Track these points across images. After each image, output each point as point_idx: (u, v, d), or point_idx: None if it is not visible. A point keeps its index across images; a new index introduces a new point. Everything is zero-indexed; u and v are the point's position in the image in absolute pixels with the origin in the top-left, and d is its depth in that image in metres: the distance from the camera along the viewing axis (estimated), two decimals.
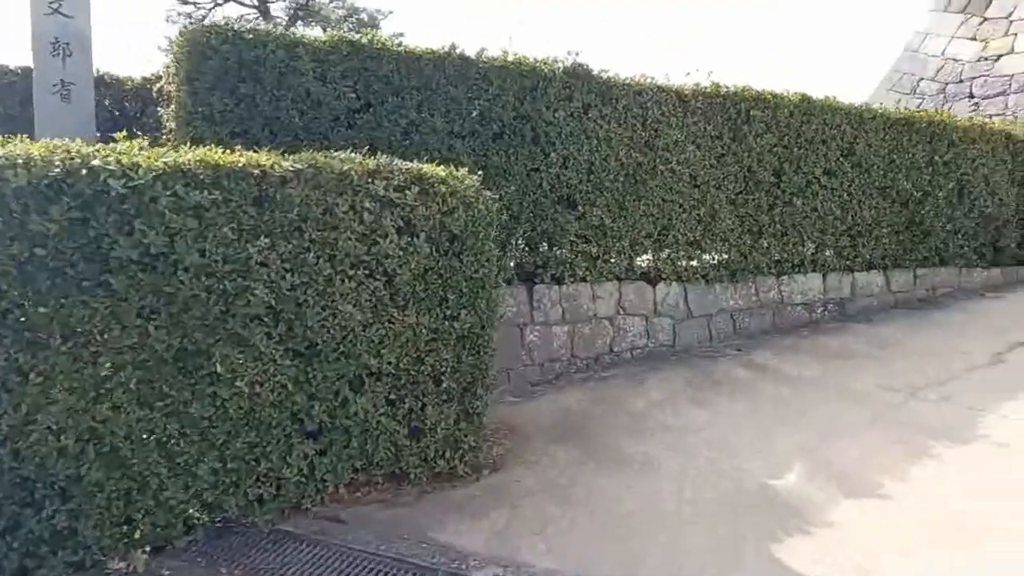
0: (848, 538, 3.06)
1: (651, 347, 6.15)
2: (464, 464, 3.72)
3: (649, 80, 6.01)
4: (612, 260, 5.93)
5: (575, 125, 5.55)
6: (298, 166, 3.16)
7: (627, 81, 5.87)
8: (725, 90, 6.34)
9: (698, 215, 6.23)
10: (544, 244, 5.65)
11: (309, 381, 3.21)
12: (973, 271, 8.47)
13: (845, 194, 7.09)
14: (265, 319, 3.08)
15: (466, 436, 3.74)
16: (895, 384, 4.96)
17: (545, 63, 5.47)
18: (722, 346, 6.25)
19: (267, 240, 3.04)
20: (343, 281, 3.24)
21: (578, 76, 5.57)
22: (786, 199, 6.70)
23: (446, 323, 3.59)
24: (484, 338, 3.73)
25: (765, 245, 6.68)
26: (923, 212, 7.72)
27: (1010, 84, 18.41)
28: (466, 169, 3.81)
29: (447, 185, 3.55)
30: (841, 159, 7.03)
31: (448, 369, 3.63)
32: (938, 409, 4.50)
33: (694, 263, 6.36)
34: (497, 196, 4.80)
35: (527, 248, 5.59)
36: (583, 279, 5.81)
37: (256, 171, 3.05)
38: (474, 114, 5.16)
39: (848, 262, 7.30)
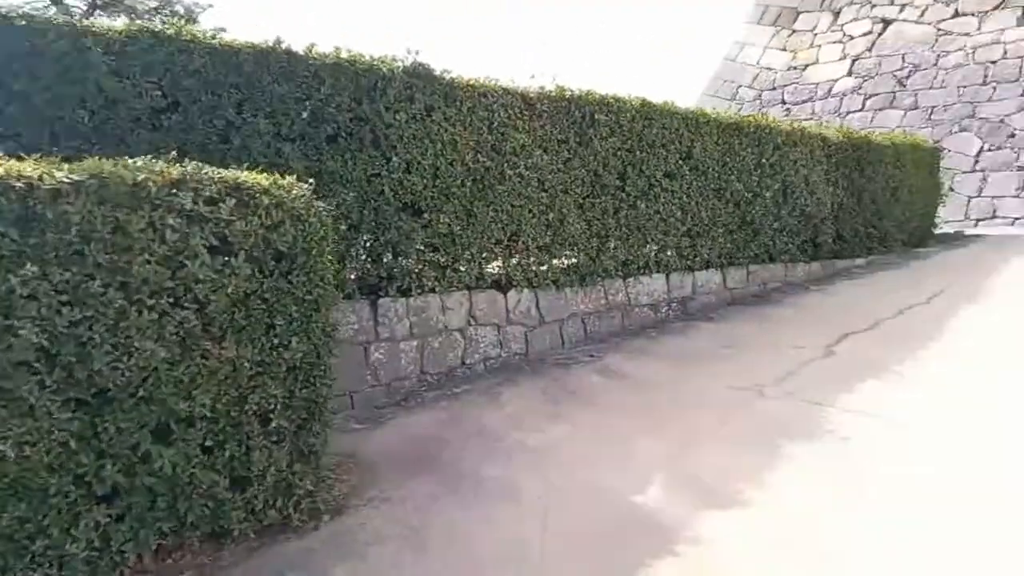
0: (714, 556, 2.96)
1: (504, 357, 5.94)
2: (300, 512, 3.28)
3: (494, 82, 5.80)
4: (462, 269, 5.66)
5: (418, 128, 5.21)
6: (77, 177, 2.59)
7: (471, 82, 5.62)
8: (570, 94, 6.26)
9: (547, 220, 6.10)
10: (389, 254, 5.27)
11: (98, 436, 2.65)
12: (797, 266, 9.04)
13: (684, 196, 7.27)
14: (36, 364, 2.48)
15: (301, 480, 3.30)
16: (742, 383, 5.06)
17: (383, 61, 5.09)
18: (575, 352, 6.16)
19: (35, 268, 2.45)
20: (141, 313, 2.70)
21: (419, 76, 5.23)
22: (631, 202, 6.74)
23: (274, 354, 3.13)
24: (320, 367, 3.31)
25: (612, 248, 6.68)
26: (753, 212, 8.11)
27: (816, 91, 20.21)
28: (295, 177, 3.36)
29: (271, 195, 3.09)
30: (680, 162, 7.20)
31: (278, 406, 3.18)
32: (784, 406, 4.61)
33: (545, 268, 6.24)
34: (333, 205, 4.40)
35: (370, 259, 5.18)
36: (432, 290, 5.49)
37: (19, 184, 2.46)
38: (304, 115, 4.68)
39: (689, 262, 7.51)
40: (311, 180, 3.53)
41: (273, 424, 3.20)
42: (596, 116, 6.38)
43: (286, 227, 3.11)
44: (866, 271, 9.48)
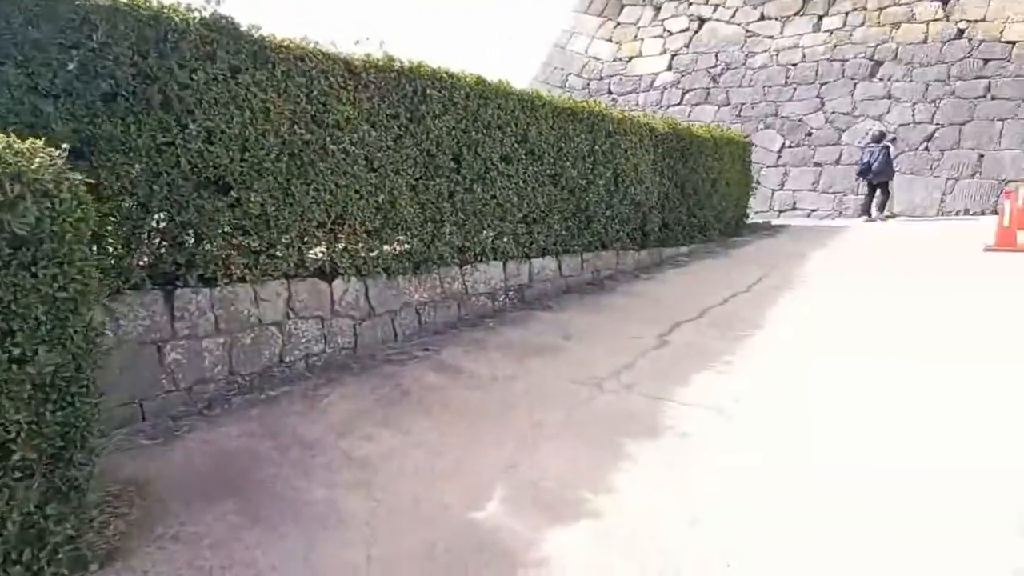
0: None
1: (330, 353, 5.36)
2: (56, 565, 2.58)
3: (313, 45, 5.16)
4: (279, 255, 4.99)
5: (221, 91, 4.47)
6: None
7: (286, 43, 4.94)
8: (400, 65, 5.75)
9: (377, 202, 5.57)
10: (189, 237, 4.50)
11: None
12: (628, 254, 9.18)
13: (521, 181, 7.02)
14: None
15: (58, 523, 2.59)
16: (583, 376, 4.88)
17: (175, 10, 4.29)
18: (409, 346, 5.72)
19: None
20: None
21: (221, 31, 4.48)
22: (467, 185, 6.38)
23: (13, 368, 2.40)
24: (81, 382, 2.61)
25: (448, 233, 6.28)
26: (587, 199, 8.06)
27: (640, 83, 21.04)
28: (43, 141, 2.61)
29: (2, 163, 2.35)
30: (516, 146, 6.93)
31: (21, 434, 2.45)
32: (624, 401, 4.47)
33: (375, 255, 5.71)
34: (114, 177, 3.63)
35: (165, 243, 4.39)
36: (242, 279, 4.79)
37: None
38: (71, 67, 3.79)
39: (525, 249, 7.30)
40: (79, 147, 2.79)
41: (16, 457, 2.47)
42: (429, 91, 5.93)
43: (26, 205, 2.38)
44: (691, 259, 9.84)
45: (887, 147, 14.57)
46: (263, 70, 4.73)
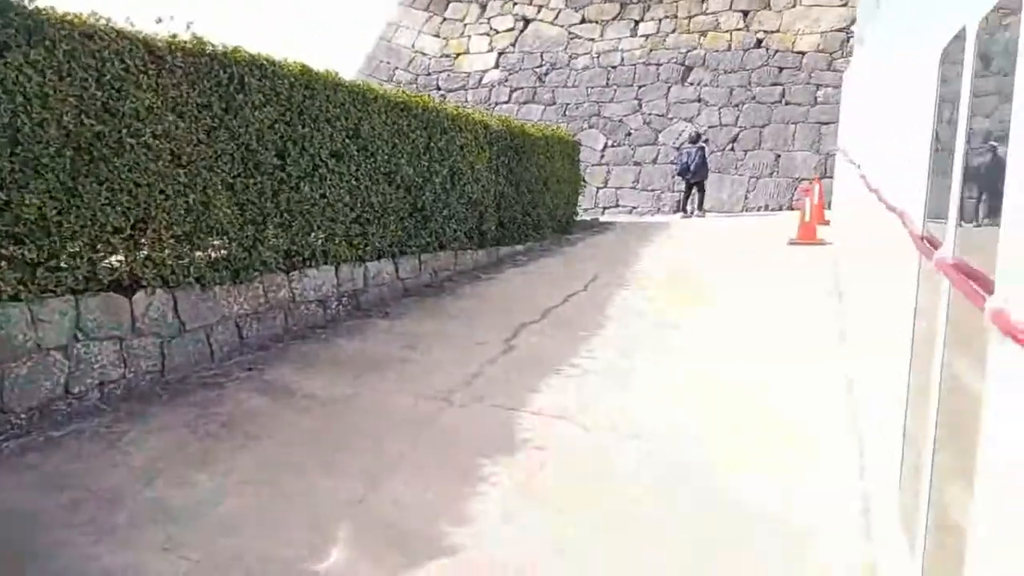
0: None
1: (131, 379, 4.62)
2: None
3: (104, 22, 4.39)
4: (64, 266, 4.20)
5: None
6: None
7: (69, 18, 4.16)
8: (212, 49, 5.08)
9: (187, 203, 4.89)
10: None
11: None
12: (466, 253, 8.96)
13: (353, 179, 6.55)
14: None
15: None
16: (429, 390, 4.57)
17: None
18: (229, 365, 5.09)
19: None
20: None
21: None
22: (293, 184, 5.81)
23: None
24: None
25: (272, 236, 5.69)
26: (424, 198, 7.74)
27: (468, 80, 20.96)
28: None
29: None
30: (348, 141, 6.45)
31: None
32: (476, 415, 4.22)
33: (185, 263, 5.01)
34: None
35: None
36: (15, 296, 3.97)
37: None
38: None
39: (360, 251, 6.84)
40: None
41: None
42: (247, 80, 5.31)
43: None
44: (528, 258, 9.83)
45: (702, 148, 15.57)
46: (39, 48, 3.93)
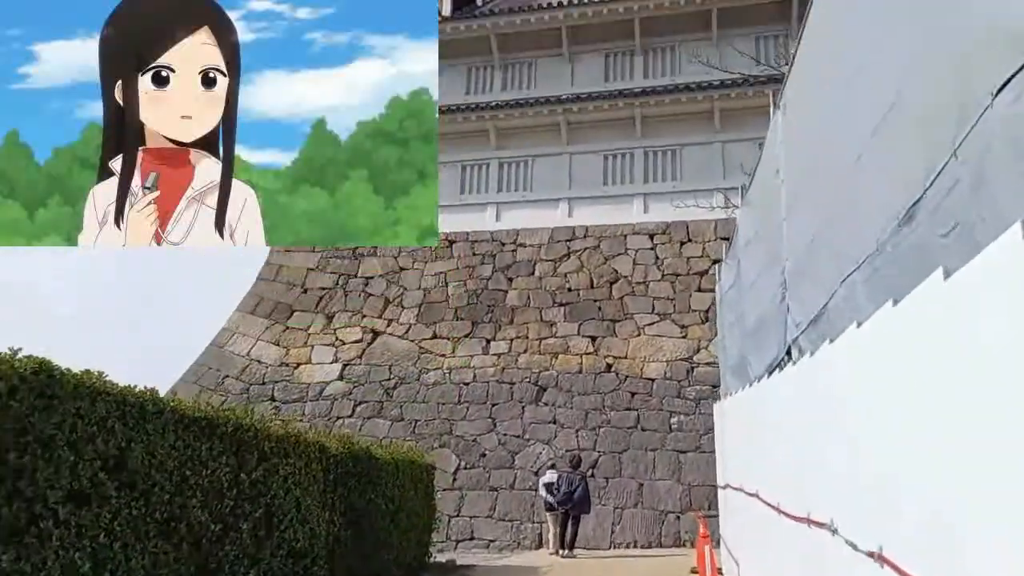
0: None
1: None
2: None
3: None
4: None
5: None
6: None
7: None
8: None
9: None
10: None
11: None
12: None
13: (103, 535, 4.20)
14: None
15: None
16: None
17: None
18: None
19: None
20: None
21: None
22: None
23: None
24: None
25: None
26: (221, 554, 5.34)
27: (308, 392, 19.09)
28: None
29: None
30: (103, 475, 4.24)
31: None
32: None
33: None
34: None
35: None
36: None
37: None
38: None
39: None
40: None
41: None
42: None
43: None
44: None
45: (584, 476, 13.88)
46: None
